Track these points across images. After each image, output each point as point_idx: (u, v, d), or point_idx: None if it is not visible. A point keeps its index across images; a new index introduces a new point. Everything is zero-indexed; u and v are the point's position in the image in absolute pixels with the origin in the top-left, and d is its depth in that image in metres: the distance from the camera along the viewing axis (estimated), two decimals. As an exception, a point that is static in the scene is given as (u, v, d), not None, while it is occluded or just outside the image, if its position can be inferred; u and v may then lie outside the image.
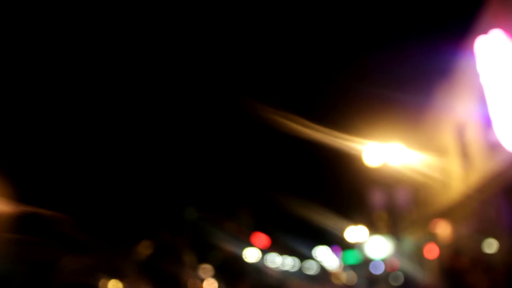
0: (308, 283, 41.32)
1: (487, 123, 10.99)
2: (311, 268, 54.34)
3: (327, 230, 35.61)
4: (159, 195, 31.57)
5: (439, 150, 16.41)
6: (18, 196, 19.68)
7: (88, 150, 28.34)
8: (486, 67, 10.46)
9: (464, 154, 14.09)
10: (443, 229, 16.73)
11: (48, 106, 26.32)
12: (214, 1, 36.62)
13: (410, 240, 22.70)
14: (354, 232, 30.52)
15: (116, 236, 27.23)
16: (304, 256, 51.41)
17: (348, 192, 33.19)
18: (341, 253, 43.94)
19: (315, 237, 43.24)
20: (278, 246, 46.66)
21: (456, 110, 14.50)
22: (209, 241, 35.51)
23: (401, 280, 21.83)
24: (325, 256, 49.51)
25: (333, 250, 46.82)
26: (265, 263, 45.55)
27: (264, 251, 45.42)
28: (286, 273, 48.01)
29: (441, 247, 17.05)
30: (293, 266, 53.48)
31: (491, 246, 12.44)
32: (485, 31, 10.58)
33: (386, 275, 24.30)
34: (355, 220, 31.27)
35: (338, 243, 41.85)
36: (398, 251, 22.80)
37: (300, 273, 51.94)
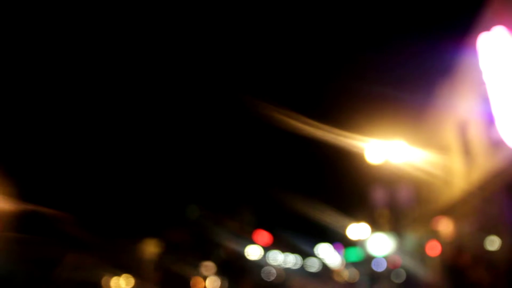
0: (310, 281, 41.38)
1: (489, 120, 10.97)
2: (313, 265, 54.35)
3: (329, 227, 35.62)
4: (161, 193, 31.62)
5: (441, 148, 16.39)
6: (22, 194, 19.72)
7: (92, 150, 28.39)
8: (488, 64, 10.44)
9: (466, 151, 14.07)
10: (445, 227, 16.72)
11: (49, 106, 26.35)
12: (215, 1, 36.58)
13: (412, 238, 22.69)
14: (356, 230, 30.51)
15: (118, 234, 27.28)
16: (306, 254, 51.44)
17: (350, 189, 33.21)
18: (343, 250, 43.90)
19: (317, 234, 43.27)
20: (280, 244, 46.71)
21: (459, 107, 14.47)
22: (211, 239, 35.57)
23: (403, 277, 21.83)
24: (327, 254, 49.50)
25: (335, 248, 46.79)
26: (267, 261, 45.60)
27: (266, 249, 45.48)
28: (288, 270, 48.05)
29: (443, 244, 17.04)
30: (295, 263, 53.52)
31: (493, 243, 12.43)
32: (487, 28, 10.55)
33: (388, 272, 24.30)
34: (357, 218, 31.24)
35: (340, 241, 41.81)
36: (400, 248, 22.78)
37: (302, 270, 51.97)
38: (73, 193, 25.00)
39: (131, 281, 28.06)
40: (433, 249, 18.18)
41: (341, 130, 15.81)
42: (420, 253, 20.52)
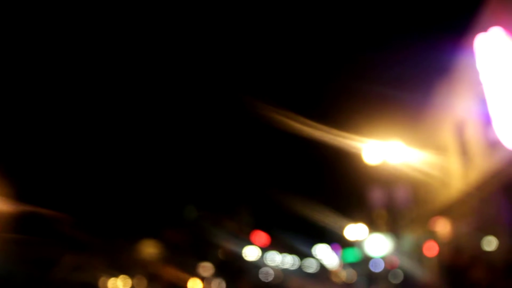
0: (308, 281, 41.35)
1: (486, 121, 10.99)
2: (310, 266, 54.30)
3: (326, 228, 35.60)
4: (159, 194, 31.59)
5: (439, 148, 16.42)
6: (20, 195, 19.69)
7: (90, 150, 28.35)
8: (485, 65, 10.47)
9: (464, 152, 14.10)
10: (443, 227, 16.75)
11: (48, 106, 26.32)
12: (215, 1, 36.60)
13: (409, 238, 22.71)
14: (354, 230, 30.51)
15: (116, 234, 27.25)
16: (304, 254, 51.38)
17: (347, 190, 33.19)
18: (340, 251, 43.89)
19: (314, 235, 43.23)
20: (278, 244, 46.69)
21: (456, 108, 14.50)
22: (209, 239, 35.55)
23: (401, 278, 21.84)
24: (324, 254, 49.48)
25: (332, 248, 46.77)
26: (265, 262, 45.57)
27: (264, 249, 45.45)
28: (286, 271, 48.02)
29: (440, 244, 17.06)
30: (293, 264, 53.47)
31: (490, 243, 12.46)
32: (484, 29, 10.58)
33: (385, 273, 24.31)
34: (354, 218, 31.24)
35: (337, 241, 41.79)
36: (398, 249, 22.80)
37: (300, 271, 51.90)
38: (71, 194, 24.97)
39: (129, 282, 28.03)
40: (431, 249, 18.21)
41: (338, 131, 15.84)
42: (417, 254, 20.54)
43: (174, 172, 35.10)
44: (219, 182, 37.68)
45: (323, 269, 50.17)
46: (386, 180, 22.76)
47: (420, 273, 19.26)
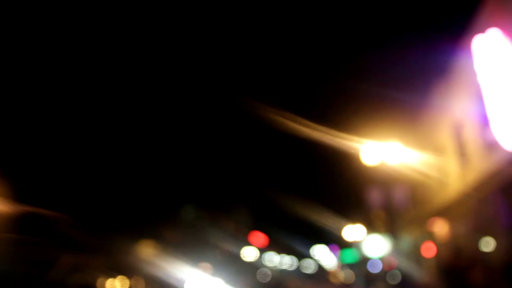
0: (306, 282, 41.34)
1: (484, 122, 11.01)
2: (309, 267, 54.36)
3: (325, 229, 35.65)
4: (158, 194, 31.57)
5: (437, 149, 16.44)
6: (18, 195, 19.67)
7: (88, 151, 28.32)
8: (483, 66, 10.50)
9: (462, 152, 14.12)
10: (441, 228, 16.77)
11: (47, 107, 26.30)
12: (215, 1, 36.60)
13: (407, 239, 22.73)
14: (352, 231, 30.54)
15: (114, 235, 27.22)
16: (302, 255, 51.46)
17: (345, 190, 33.24)
18: (339, 251, 43.95)
19: (313, 236, 43.31)
20: (276, 245, 46.71)
21: (454, 109, 14.53)
22: (207, 240, 35.51)
23: (399, 278, 21.85)
24: (323, 255, 49.55)
25: (331, 249, 46.84)
26: (263, 262, 45.57)
27: (262, 250, 45.46)
28: (284, 272, 48.03)
29: (438, 245, 17.09)
30: (291, 265, 53.52)
31: (488, 244, 12.48)
32: (482, 30, 10.61)
33: (383, 273, 24.33)
34: (352, 219, 31.27)
35: (336, 242, 41.86)
36: (396, 249, 22.82)
37: (298, 272, 51.95)
38: (69, 194, 24.95)
39: (126, 282, 27.98)
40: (429, 250, 18.23)
41: (337, 131, 15.86)
42: (415, 254, 20.56)
43: (173, 172, 35.10)
44: (217, 182, 37.70)
45: (321, 269, 50.23)
46: (384, 180, 22.79)
47: (418, 274, 19.28)
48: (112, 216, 27.95)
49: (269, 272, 43.81)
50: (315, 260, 52.59)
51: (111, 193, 28.21)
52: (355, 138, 16.57)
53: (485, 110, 10.50)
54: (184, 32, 42.51)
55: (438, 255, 17.15)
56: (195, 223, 36.99)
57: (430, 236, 17.93)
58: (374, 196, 26.70)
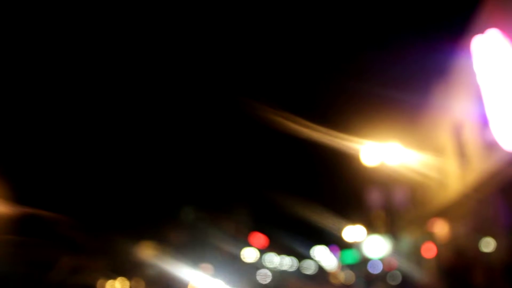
0: (306, 283, 41.34)
1: (484, 122, 11.01)
2: (309, 267, 54.36)
3: (325, 229, 35.66)
4: (158, 195, 31.56)
5: (436, 150, 16.44)
6: (19, 197, 19.67)
7: (88, 152, 28.31)
8: (482, 66, 10.50)
9: (461, 153, 14.12)
10: (441, 228, 16.76)
11: (47, 107, 26.29)
12: (214, 1, 36.62)
13: (407, 239, 22.72)
14: (352, 232, 30.54)
15: (114, 236, 27.20)
16: (302, 256, 51.46)
17: (345, 191, 33.23)
18: (339, 252, 43.95)
19: (313, 237, 43.32)
20: (276, 246, 46.71)
21: (453, 109, 14.53)
22: (208, 241, 35.49)
23: (399, 279, 21.85)
24: (323, 256, 49.54)
25: (331, 250, 46.85)
26: (263, 263, 45.56)
27: (262, 251, 45.45)
28: (284, 273, 48.01)
29: (438, 246, 17.08)
30: (291, 265, 53.52)
31: (488, 245, 12.47)
32: (481, 31, 10.61)
33: (384, 274, 24.32)
34: (353, 220, 31.27)
35: (336, 243, 41.87)
36: (396, 250, 22.81)
37: (298, 272, 51.96)
38: (70, 195, 24.94)
39: (127, 284, 27.97)
40: (429, 251, 18.22)
41: (336, 132, 15.86)
42: (415, 255, 20.55)
43: (173, 173, 35.10)
44: (218, 184, 37.69)
45: (321, 270, 50.22)
46: (384, 181, 22.80)
47: (419, 274, 19.27)
48: (112, 217, 27.95)
49: (269, 273, 43.80)
50: (315, 261, 52.60)
51: (111, 194, 28.21)
52: (355, 139, 16.59)
53: (485, 111, 10.49)
54: (185, 33, 42.52)
55: (438, 255, 17.15)
56: (195, 224, 36.98)
57: (430, 237, 17.93)
58: (374, 197, 26.69)
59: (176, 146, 41.83)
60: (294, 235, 43.42)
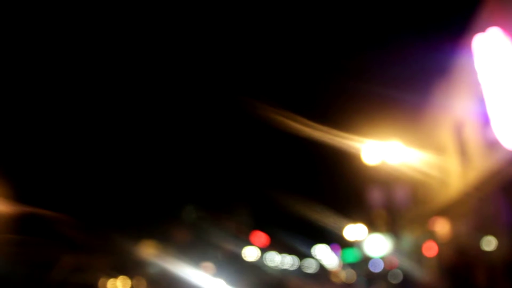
0: (307, 282, 41.34)
1: (485, 121, 11.00)
2: (310, 266, 54.35)
3: (326, 228, 35.62)
4: (159, 194, 31.59)
5: (438, 148, 16.43)
6: (19, 196, 19.69)
7: (89, 151, 28.33)
8: (484, 65, 10.48)
9: (463, 152, 14.11)
10: (442, 227, 16.76)
11: (48, 107, 26.30)
12: (214, 1, 36.61)
13: (409, 238, 22.72)
14: (353, 230, 30.53)
15: (116, 235, 27.23)
16: (303, 255, 51.44)
17: (346, 190, 33.22)
18: (340, 251, 43.93)
19: (314, 235, 43.29)
20: (277, 245, 46.72)
21: (454, 108, 14.51)
22: (209, 239, 35.51)
23: (400, 278, 21.85)
24: (324, 255, 49.53)
25: (332, 249, 46.82)
26: (265, 262, 45.57)
27: (264, 250, 45.47)
28: (285, 271, 48.01)
29: (440, 245, 17.07)
30: (293, 264, 53.52)
31: (490, 243, 12.47)
32: (483, 29, 10.59)
33: (385, 273, 24.32)
34: (354, 218, 31.25)
35: (337, 242, 41.83)
36: (397, 249, 22.80)
37: (299, 271, 51.93)
38: (71, 194, 24.96)
39: (128, 282, 27.99)
40: (430, 249, 18.22)
41: (337, 131, 15.86)
42: (417, 254, 20.55)
43: (173, 172, 35.12)
44: (219, 182, 37.71)
45: (322, 269, 50.20)
46: (385, 180, 22.79)
47: (420, 273, 19.27)
48: (113, 216, 27.98)
49: (271, 272, 43.81)
50: (316, 259, 52.58)
51: (112, 193, 28.24)
52: (356, 138, 16.59)
53: (486, 109, 10.48)
54: (185, 33, 42.52)
55: (439, 254, 17.15)
56: (196, 223, 37.02)
57: (431, 236, 17.93)
58: (375, 196, 26.68)
59: (178, 145, 41.81)
60: (295, 234, 43.42)
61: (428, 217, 18.24)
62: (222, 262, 35.23)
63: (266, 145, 55.10)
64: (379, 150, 16.77)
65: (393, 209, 24.29)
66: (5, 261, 18.65)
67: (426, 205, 19.04)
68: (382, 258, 24.46)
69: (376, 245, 23.16)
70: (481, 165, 12.38)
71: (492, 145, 11.05)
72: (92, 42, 35.51)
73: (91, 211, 26.32)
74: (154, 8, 37.59)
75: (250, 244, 42.70)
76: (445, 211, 16.17)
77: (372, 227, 26.93)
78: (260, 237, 44.06)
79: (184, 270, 26.29)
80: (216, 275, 31.71)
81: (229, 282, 28.29)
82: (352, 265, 39.14)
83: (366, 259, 29.16)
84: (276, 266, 47.70)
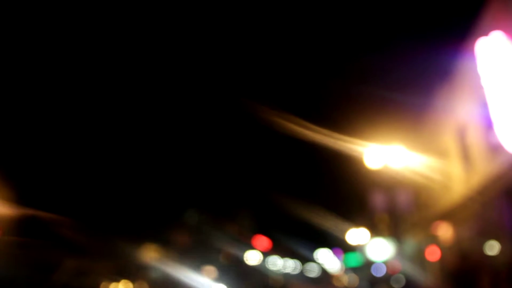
0: (310, 286, 41.25)
1: (488, 125, 10.97)
2: (312, 270, 54.19)
3: (328, 232, 35.54)
4: (161, 198, 31.58)
5: (440, 152, 16.39)
6: (21, 198, 19.70)
7: (91, 154, 28.35)
8: (487, 69, 10.46)
9: (465, 156, 14.08)
10: (445, 231, 16.70)
11: (49, 109, 26.35)
12: (215, 2, 36.67)
13: (411, 242, 22.65)
14: (356, 235, 30.46)
15: (118, 238, 27.24)
16: (306, 259, 51.28)
17: (349, 194, 33.16)
18: (342, 255, 43.82)
19: (316, 239, 43.16)
20: (280, 249, 46.60)
21: (457, 112, 14.49)
22: (211, 243, 35.48)
23: (403, 282, 21.77)
24: (326, 259, 49.38)
25: (334, 253, 46.69)
26: (267, 266, 45.47)
27: (266, 254, 45.36)
28: (287, 275, 47.92)
29: (442, 249, 17.02)
30: (295, 268, 53.36)
31: (493, 248, 12.42)
32: (485, 33, 10.58)
33: (387, 277, 24.24)
34: (356, 223, 31.21)
35: (339, 246, 41.73)
36: (400, 253, 22.74)
37: (301, 275, 51.80)
38: (72, 197, 24.98)
39: (130, 286, 27.98)
40: (433, 254, 18.16)
41: (340, 135, 15.83)
42: (419, 258, 20.48)
43: (176, 176, 35.12)
44: (221, 186, 37.68)
45: (325, 273, 50.07)
46: (387, 184, 22.74)
47: (422, 277, 19.20)
48: (116, 219, 27.98)
49: (273, 276, 43.73)
50: (318, 263, 52.44)
51: (115, 196, 28.25)
52: (359, 141, 16.56)
53: (489, 113, 10.46)
54: (187, 35, 42.58)
55: (442, 258, 17.08)
56: (198, 227, 36.99)
57: (434, 240, 17.87)
58: (378, 200, 26.63)
59: (180, 149, 41.86)
60: (298, 238, 43.30)
61: (431, 222, 18.18)
62: (224, 266, 35.20)
63: (268, 149, 55.09)
64: (382, 154, 16.73)
65: (395, 213, 24.24)
66: (8, 264, 18.65)
67: (428, 209, 18.99)
68: (385, 263, 24.39)
69: (378, 250, 23.10)
70: (484, 169, 12.35)
71: (495, 149, 11.02)
72: (93, 43, 35.62)
73: (94, 215, 26.33)
74: (156, 9, 37.67)
75: (252, 248, 42.62)
76: (448, 215, 16.11)
77: (375, 231, 26.88)
78: (262, 241, 43.97)
79: (186, 274, 26.27)
80: (218, 279, 31.67)
81: (231, 286, 28.26)
82: (354, 270, 39.05)
83: (368, 264, 29.09)
84: (278, 270, 47.57)
